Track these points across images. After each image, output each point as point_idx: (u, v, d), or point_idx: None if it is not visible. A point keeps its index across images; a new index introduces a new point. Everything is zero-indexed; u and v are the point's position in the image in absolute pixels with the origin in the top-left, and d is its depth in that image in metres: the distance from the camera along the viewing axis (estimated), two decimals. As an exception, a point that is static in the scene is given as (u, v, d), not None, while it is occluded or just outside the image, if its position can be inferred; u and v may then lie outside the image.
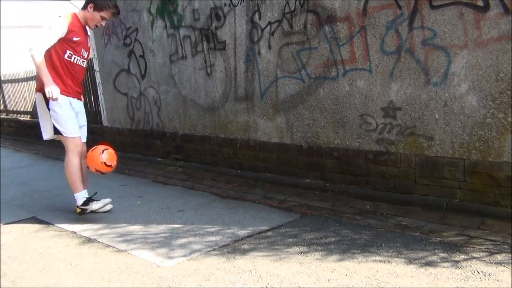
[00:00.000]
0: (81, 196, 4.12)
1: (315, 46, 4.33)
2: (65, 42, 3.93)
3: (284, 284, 2.70)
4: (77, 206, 4.15)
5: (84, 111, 4.31)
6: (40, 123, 4.13)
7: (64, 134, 4.03)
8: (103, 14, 4.02)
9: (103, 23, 4.12)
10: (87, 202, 4.13)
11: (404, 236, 3.25)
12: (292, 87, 4.62)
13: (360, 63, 4.05)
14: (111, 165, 4.14)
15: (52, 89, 3.82)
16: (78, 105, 4.19)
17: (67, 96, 4.03)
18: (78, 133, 4.10)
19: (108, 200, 4.21)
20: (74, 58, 4.03)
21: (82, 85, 4.31)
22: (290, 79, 4.62)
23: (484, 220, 3.39)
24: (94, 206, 4.12)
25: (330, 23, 4.18)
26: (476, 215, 3.47)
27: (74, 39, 3.96)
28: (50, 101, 3.90)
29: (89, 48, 4.26)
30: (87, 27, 4.17)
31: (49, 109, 3.98)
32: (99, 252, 3.42)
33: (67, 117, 4.02)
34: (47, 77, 3.84)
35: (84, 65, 4.17)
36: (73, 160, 4.06)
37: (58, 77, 3.96)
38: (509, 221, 3.28)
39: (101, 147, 4.14)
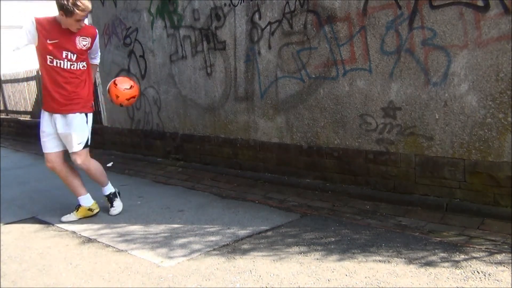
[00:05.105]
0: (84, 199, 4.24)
1: (315, 46, 4.33)
2: (42, 46, 3.85)
3: (284, 284, 2.70)
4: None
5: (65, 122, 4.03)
6: None
7: None
8: (76, 17, 3.75)
9: (82, 24, 3.87)
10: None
11: (404, 236, 3.26)
12: (292, 87, 4.62)
13: (360, 63, 4.05)
14: (123, 85, 4.11)
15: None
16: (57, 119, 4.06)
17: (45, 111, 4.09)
18: (46, 149, 4.15)
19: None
20: (57, 62, 3.87)
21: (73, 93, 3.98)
22: (290, 79, 4.62)
23: (484, 220, 3.39)
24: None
25: (330, 23, 4.18)
26: (476, 215, 3.47)
27: (49, 41, 3.81)
28: None
29: (79, 49, 3.92)
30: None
31: None
32: (99, 252, 3.42)
33: (42, 132, 4.14)
34: None
35: (74, 68, 3.93)
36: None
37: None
38: (509, 221, 3.28)
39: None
